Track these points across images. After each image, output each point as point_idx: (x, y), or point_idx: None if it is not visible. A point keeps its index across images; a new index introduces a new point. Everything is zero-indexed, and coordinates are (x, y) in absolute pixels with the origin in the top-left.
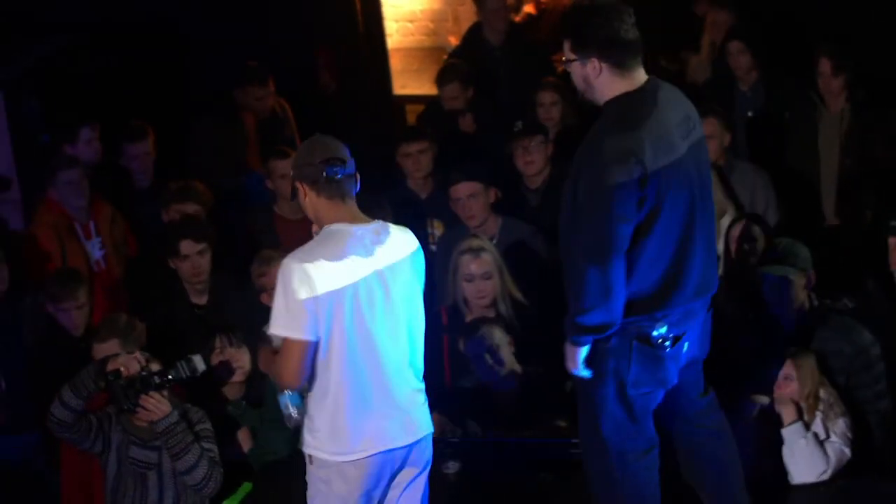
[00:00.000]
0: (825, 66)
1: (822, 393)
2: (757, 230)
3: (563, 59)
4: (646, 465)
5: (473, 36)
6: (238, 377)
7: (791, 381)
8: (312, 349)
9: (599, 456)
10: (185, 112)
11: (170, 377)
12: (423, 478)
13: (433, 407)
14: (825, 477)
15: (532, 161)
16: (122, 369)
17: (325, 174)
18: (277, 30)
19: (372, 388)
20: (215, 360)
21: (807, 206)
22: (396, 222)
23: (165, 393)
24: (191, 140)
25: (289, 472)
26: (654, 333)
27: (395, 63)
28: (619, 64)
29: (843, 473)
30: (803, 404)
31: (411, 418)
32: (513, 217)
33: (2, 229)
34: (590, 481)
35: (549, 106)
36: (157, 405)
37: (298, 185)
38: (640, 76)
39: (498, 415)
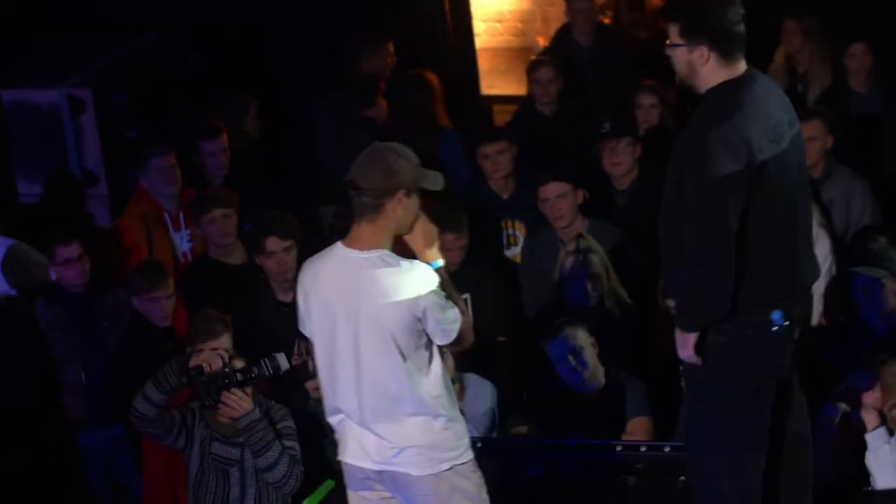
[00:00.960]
0: None
1: None
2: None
3: (668, 42)
4: (755, 463)
5: (562, 37)
6: (313, 377)
7: (875, 389)
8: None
9: (707, 449)
10: (272, 109)
11: (253, 374)
12: None
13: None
14: None
15: (619, 162)
16: (204, 365)
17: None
18: (364, 29)
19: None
20: (296, 360)
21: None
22: (477, 223)
23: (248, 390)
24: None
25: None
26: (769, 320)
27: (483, 63)
28: (728, 54)
29: None
30: (887, 411)
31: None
32: (600, 219)
33: (87, 224)
34: (694, 475)
35: (648, 108)
36: (238, 402)
37: None
38: (742, 66)
39: (581, 417)
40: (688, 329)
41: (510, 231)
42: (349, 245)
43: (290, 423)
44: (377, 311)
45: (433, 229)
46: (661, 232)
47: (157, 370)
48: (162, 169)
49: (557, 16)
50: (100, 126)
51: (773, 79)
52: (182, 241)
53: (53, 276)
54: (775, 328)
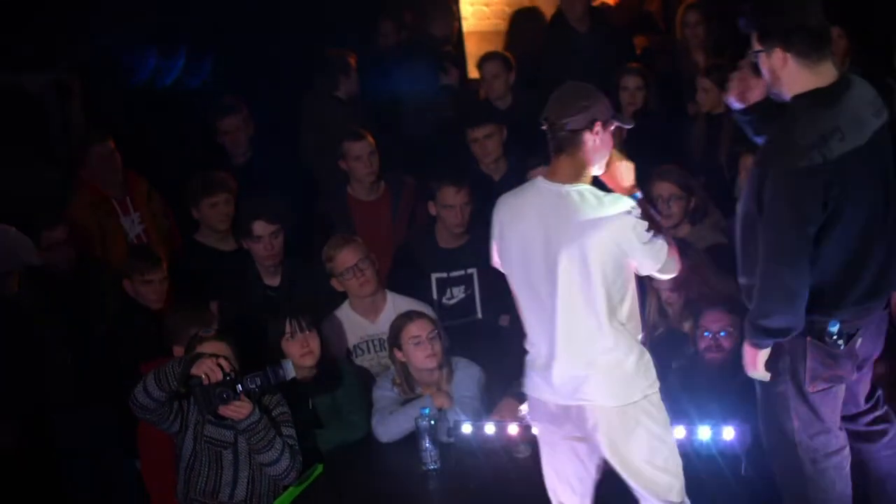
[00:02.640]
0: None
1: None
2: None
3: (752, 53)
4: (835, 463)
5: (556, 22)
6: (308, 361)
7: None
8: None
9: (787, 455)
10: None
11: (257, 384)
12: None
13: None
14: None
15: None
16: (203, 377)
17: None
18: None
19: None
20: (285, 344)
21: None
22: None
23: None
24: None
25: (359, 454)
26: (827, 331)
27: (471, 47)
28: (805, 54)
29: None
30: None
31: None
32: None
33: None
34: (778, 481)
35: (633, 90)
36: (237, 410)
37: None
38: (830, 71)
39: None
40: (756, 345)
41: None
42: (550, 178)
43: (285, 408)
44: (580, 240)
45: (629, 164)
46: (739, 238)
47: (151, 348)
48: (103, 156)
49: (545, 0)
50: (86, 111)
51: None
52: (133, 225)
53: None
54: (832, 339)
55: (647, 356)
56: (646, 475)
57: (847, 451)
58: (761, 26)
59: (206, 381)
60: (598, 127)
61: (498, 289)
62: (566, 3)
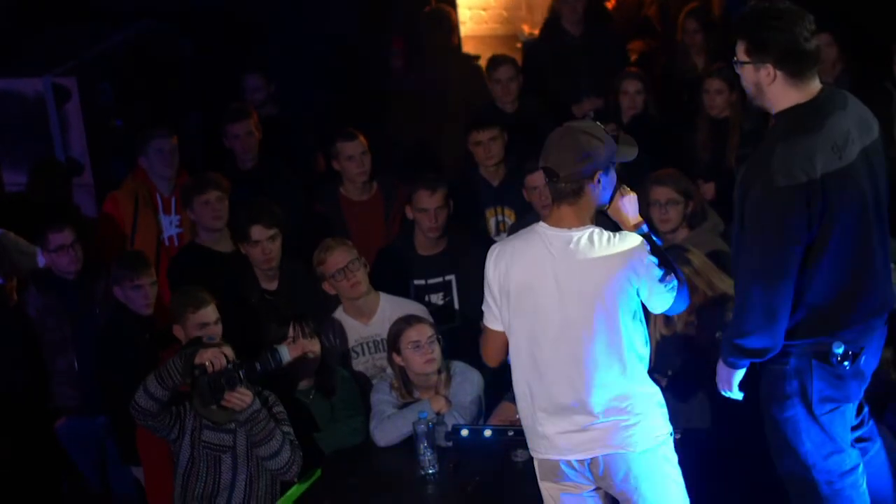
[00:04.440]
0: None
1: None
2: None
3: (735, 59)
4: (851, 482)
5: (551, 26)
6: (309, 367)
7: None
8: (502, 338)
9: (803, 478)
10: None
11: (257, 369)
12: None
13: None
14: None
15: None
16: (207, 365)
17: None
18: (351, 17)
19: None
20: (289, 349)
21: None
22: (469, 209)
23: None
24: None
25: (357, 458)
26: (833, 353)
27: (468, 51)
28: (796, 74)
29: None
30: (876, 397)
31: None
32: None
33: (76, 213)
34: (793, 500)
35: (633, 94)
36: (240, 398)
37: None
38: (815, 86)
39: None
40: (732, 364)
41: (500, 217)
42: (555, 225)
43: (282, 407)
44: (597, 283)
45: (632, 196)
46: (732, 251)
47: (142, 355)
48: (161, 150)
49: (542, 3)
50: (85, 115)
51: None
52: (170, 226)
53: (41, 264)
54: (838, 361)
55: (660, 394)
56: None
57: (862, 468)
58: (756, 40)
59: (210, 370)
60: (598, 176)
61: (477, 295)
62: (564, 7)
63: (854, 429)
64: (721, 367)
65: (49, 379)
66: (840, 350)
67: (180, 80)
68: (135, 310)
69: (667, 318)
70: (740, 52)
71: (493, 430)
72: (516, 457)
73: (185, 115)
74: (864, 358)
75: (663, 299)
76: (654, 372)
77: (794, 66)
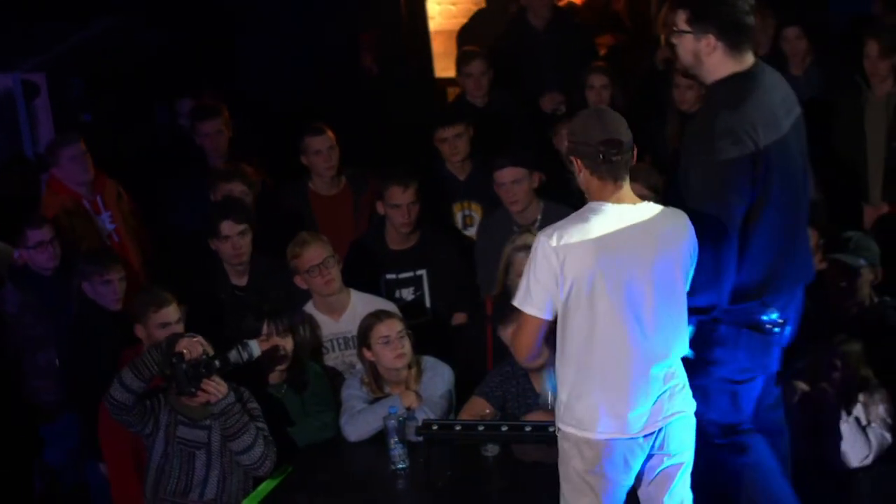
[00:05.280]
0: (872, 48)
1: (863, 381)
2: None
3: (674, 28)
4: (754, 460)
5: (517, 20)
6: (282, 364)
7: (835, 369)
8: (545, 326)
9: (706, 445)
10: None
11: (230, 361)
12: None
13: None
14: (867, 462)
15: None
16: (185, 352)
17: (601, 157)
18: (320, 11)
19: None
20: (263, 346)
21: (854, 192)
22: (434, 205)
23: None
24: None
25: (328, 453)
26: (765, 318)
27: (437, 46)
28: (735, 45)
29: (886, 458)
30: (844, 391)
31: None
32: (556, 202)
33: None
34: (698, 480)
35: (599, 89)
36: (217, 388)
37: (574, 159)
38: (750, 58)
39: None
40: None
41: (466, 212)
42: (620, 201)
43: (256, 403)
44: (676, 253)
45: None
46: None
47: (113, 351)
48: (74, 157)
49: None
50: (54, 110)
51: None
52: (106, 224)
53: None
54: (770, 327)
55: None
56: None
57: (763, 448)
58: (698, 10)
59: (188, 357)
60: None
61: (448, 290)
62: (532, 2)
63: (768, 406)
64: None
65: (27, 375)
66: (773, 317)
67: (149, 73)
68: (104, 305)
69: None
70: (680, 22)
71: (463, 425)
72: (486, 451)
73: (155, 109)
74: (788, 328)
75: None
76: None
77: (735, 37)
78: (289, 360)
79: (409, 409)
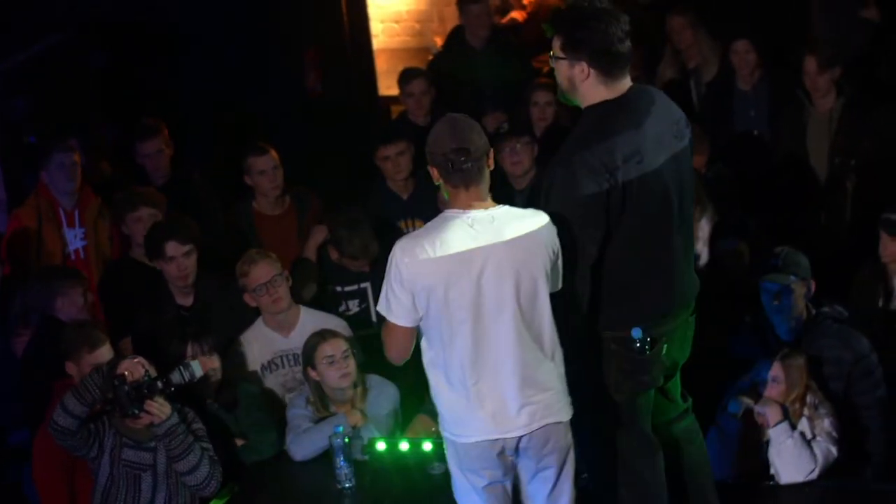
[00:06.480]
0: (810, 64)
1: (808, 394)
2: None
3: (551, 54)
4: (649, 465)
5: (455, 39)
6: (209, 382)
7: (779, 383)
8: (411, 333)
9: (599, 460)
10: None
11: (173, 382)
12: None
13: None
14: (813, 476)
15: (519, 161)
16: (126, 374)
17: (451, 165)
18: (264, 30)
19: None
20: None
21: (797, 206)
22: (378, 222)
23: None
24: None
25: (274, 472)
26: (632, 337)
27: (381, 64)
28: (608, 73)
29: (831, 473)
30: (789, 405)
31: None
32: None
33: None
34: (594, 487)
35: (543, 105)
36: (160, 409)
37: (431, 169)
38: (625, 84)
39: None
40: None
41: (410, 230)
42: (470, 207)
43: (201, 424)
44: (529, 258)
45: None
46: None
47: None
48: (62, 165)
49: (454, 16)
50: None
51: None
52: (75, 239)
53: None
54: (636, 345)
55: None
56: (572, 492)
57: (661, 454)
58: (571, 38)
59: (129, 379)
60: (491, 153)
61: None
62: (470, 21)
63: (675, 418)
64: None
65: None
66: (638, 335)
67: (94, 93)
68: (66, 320)
69: None
70: (556, 48)
71: (409, 443)
72: (433, 469)
73: (100, 129)
74: (665, 346)
75: (561, 274)
76: None
77: (607, 65)
78: (218, 380)
79: (354, 427)
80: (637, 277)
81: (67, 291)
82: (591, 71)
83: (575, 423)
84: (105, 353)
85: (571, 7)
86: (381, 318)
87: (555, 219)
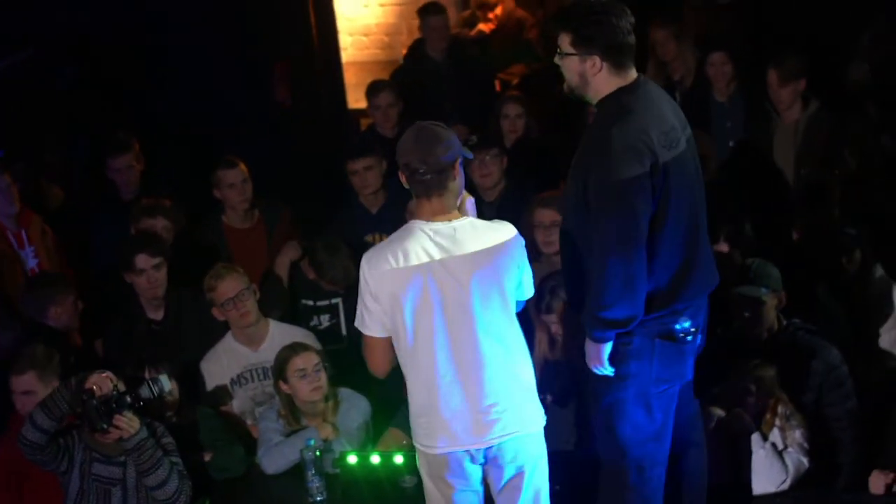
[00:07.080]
0: (772, 77)
1: (779, 405)
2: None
3: (559, 51)
4: (658, 474)
5: (416, 51)
6: (170, 406)
7: (750, 394)
8: (388, 344)
9: (613, 461)
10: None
11: (142, 396)
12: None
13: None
14: (784, 486)
15: (489, 174)
16: (95, 389)
17: (411, 175)
18: (233, 43)
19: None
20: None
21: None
22: (348, 237)
23: None
24: None
25: (245, 486)
26: (678, 327)
27: (350, 77)
28: (619, 64)
29: (802, 484)
30: (760, 416)
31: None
32: None
33: None
34: (601, 485)
35: (514, 118)
36: (129, 423)
37: (400, 175)
38: (633, 73)
39: None
40: (599, 339)
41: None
42: (432, 219)
43: (170, 438)
44: (491, 271)
45: (472, 199)
46: (562, 247)
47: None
48: (0, 189)
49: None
50: None
51: None
52: (28, 258)
53: None
54: (683, 336)
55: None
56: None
57: (665, 468)
58: (583, 33)
59: (98, 393)
60: (457, 165)
61: None
62: (429, 34)
63: (683, 428)
64: (589, 345)
65: None
66: (685, 325)
67: (65, 107)
68: (56, 327)
69: (551, 342)
70: (565, 44)
71: (380, 456)
72: (404, 482)
73: (72, 143)
74: (700, 336)
75: (531, 283)
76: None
77: (618, 57)
78: (175, 404)
79: (326, 440)
80: (678, 262)
81: (60, 300)
82: (604, 64)
83: (597, 431)
84: (28, 380)
85: (579, 3)
86: (352, 333)
87: (599, 210)
